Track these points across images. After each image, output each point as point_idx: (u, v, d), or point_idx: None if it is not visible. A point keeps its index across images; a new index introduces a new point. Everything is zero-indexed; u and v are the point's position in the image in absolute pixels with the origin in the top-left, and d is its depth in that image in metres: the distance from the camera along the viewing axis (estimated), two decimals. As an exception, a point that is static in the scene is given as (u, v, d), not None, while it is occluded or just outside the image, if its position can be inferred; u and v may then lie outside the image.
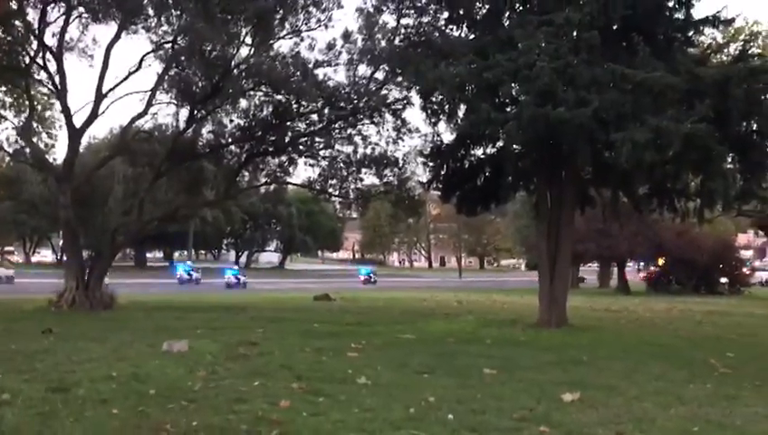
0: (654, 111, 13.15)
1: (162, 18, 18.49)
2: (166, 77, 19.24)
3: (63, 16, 18.26)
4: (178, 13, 18.20)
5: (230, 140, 21.88)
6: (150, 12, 18.31)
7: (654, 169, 13.76)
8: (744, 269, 50.83)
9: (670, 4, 15.11)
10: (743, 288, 44.67)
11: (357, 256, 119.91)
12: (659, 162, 13.41)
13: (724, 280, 44.71)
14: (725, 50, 17.69)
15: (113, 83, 18.91)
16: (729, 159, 14.90)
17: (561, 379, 8.68)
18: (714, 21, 15.09)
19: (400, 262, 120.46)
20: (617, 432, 5.93)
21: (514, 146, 15.52)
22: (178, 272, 45.53)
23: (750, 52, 15.62)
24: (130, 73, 18.87)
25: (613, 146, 13.27)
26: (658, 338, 14.69)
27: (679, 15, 15.23)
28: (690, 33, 15.55)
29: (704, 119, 12.69)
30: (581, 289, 46.58)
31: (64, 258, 27.68)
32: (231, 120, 21.69)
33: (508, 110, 14.57)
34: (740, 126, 14.42)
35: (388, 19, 19.28)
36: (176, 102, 20.29)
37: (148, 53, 19.12)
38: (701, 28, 15.48)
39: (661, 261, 45.71)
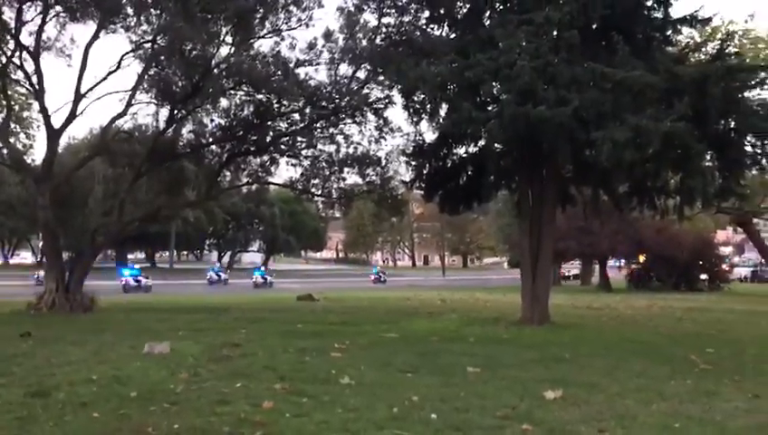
0: (633, 110, 13.26)
1: (141, 17, 18.32)
2: (145, 77, 19.06)
3: (40, 15, 18.02)
4: (158, 12, 18.05)
5: (211, 139, 21.73)
6: (129, 11, 18.14)
7: (634, 167, 13.87)
8: (724, 266, 51.48)
9: (649, 3, 15.25)
10: (722, 284, 45.22)
11: (340, 255, 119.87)
12: (639, 161, 13.53)
13: (703, 277, 45.20)
14: (703, 49, 17.82)
15: (92, 83, 18.74)
16: (708, 157, 15.06)
17: (543, 376, 8.72)
18: (691, 20, 15.24)
19: (384, 261, 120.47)
20: (599, 430, 5.96)
21: (496, 145, 15.60)
22: (209, 274, 47.53)
23: (727, 51, 15.77)
24: (110, 73, 18.68)
25: (593, 145, 13.36)
26: (639, 335, 14.81)
27: (658, 15, 15.37)
28: (668, 33, 15.68)
29: (683, 117, 12.81)
30: (563, 287, 46.92)
31: (44, 260, 27.37)
32: (212, 120, 21.55)
33: (489, 109, 14.63)
34: (718, 124, 14.57)
35: (370, 18, 19.27)
36: (156, 102, 20.12)
37: (128, 53, 18.93)
38: (679, 27, 15.61)
39: (642, 258, 46.11)
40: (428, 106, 16.53)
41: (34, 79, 18.79)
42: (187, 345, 11.07)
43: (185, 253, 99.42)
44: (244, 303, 24.87)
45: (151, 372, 8.46)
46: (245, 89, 20.22)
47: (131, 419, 6.11)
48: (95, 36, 18.35)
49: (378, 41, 18.58)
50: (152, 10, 18.06)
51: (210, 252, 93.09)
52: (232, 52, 19.38)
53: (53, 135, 19.22)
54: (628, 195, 17.05)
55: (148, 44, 18.73)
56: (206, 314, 18.25)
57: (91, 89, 18.64)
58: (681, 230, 39.66)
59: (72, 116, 18.74)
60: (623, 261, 54.55)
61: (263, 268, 52.21)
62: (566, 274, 60.44)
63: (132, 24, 18.50)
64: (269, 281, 46.00)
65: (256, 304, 24.96)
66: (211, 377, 8.27)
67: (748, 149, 15.19)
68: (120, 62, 18.79)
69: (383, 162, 21.86)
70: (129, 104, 19.20)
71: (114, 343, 11.33)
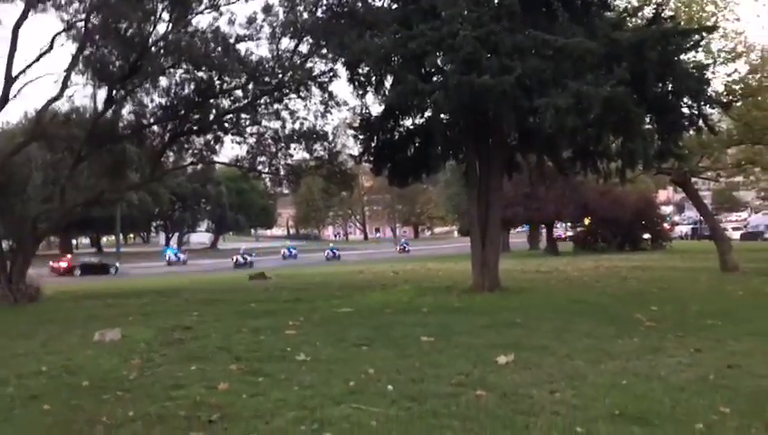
0: (574, 76, 13.44)
1: (72, -5, 17.68)
2: (80, 57, 18.45)
3: (-37, -4, 17.24)
4: (90, -11, 17.44)
5: (152, 120, 21.24)
6: (59, -12, 17.48)
7: (576, 132, 14.10)
8: (665, 224, 53.11)
9: (586, -32, 15.39)
10: (664, 243, 46.70)
11: (291, 231, 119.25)
12: (581, 126, 13.74)
13: (646, 236, 46.59)
14: (640, 13, 18.12)
15: (24, 66, 18.04)
16: (647, 121, 15.41)
17: (495, 342, 8.90)
18: (628, -16, 15.46)
19: (336, 235, 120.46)
20: (550, 391, 6.12)
21: (442, 115, 15.62)
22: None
23: (662, 15, 16.08)
24: (42, 54, 17.98)
25: (537, 112, 13.52)
26: (586, 296, 15.21)
27: (596, -21, 15.53)
28: (606, -3, 15.90)
29: (622, 82, 13.05)
30: (512, 252, 47.72)
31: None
32: (152, 100, 21.00)
33: (434, 79, 14.67)
34: (656, 88, 14.88)
35: (310, -11, 18.98)
36: (93, 83, 19.51)
37: (60, 33, 18.26)
38: (617, -9, 15.86)
39: (587, 221, 47.22)
40: (373, 78, 16.45)
41: (-38, 63, 18.01)
42: (138, 331, 10.92)
43: (131, 236, 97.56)
44: (193, 284, 24.59)
45: (103, 361, 8.32)
46: (185, 66, 19.80)
47: (84, 409, 6.00)
48: (23, 16, 17.61)
49: (319, 13, 18.37)
50: (83, -13, 17.44)
51: (157, 234, 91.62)
52: (169, 29, 18.90)
53: (-15, 121, 18.49)
54: (572, 160, 17.35)
55: (81, 23, 18.10)
56: (156, 298, 17.99)
57: (22, 71, 17.94)
58: (624, 192, 40.74)
59: (3, 100, 18.03)
60: (569, 224, 55.70)
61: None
62: (563, 235, 60.36)
63: (63, 2, 17.84)
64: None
65: (207, 285, 24.71)
66: (164, 362, 8.19)
67: (685, 111, 15.61)
68: (52, 43, 18.14)
69: (330, 137, 21.83)
70: (64, 86, 18.56)
71: (63, 333, 11.10)
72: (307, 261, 53.65)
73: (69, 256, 50.22)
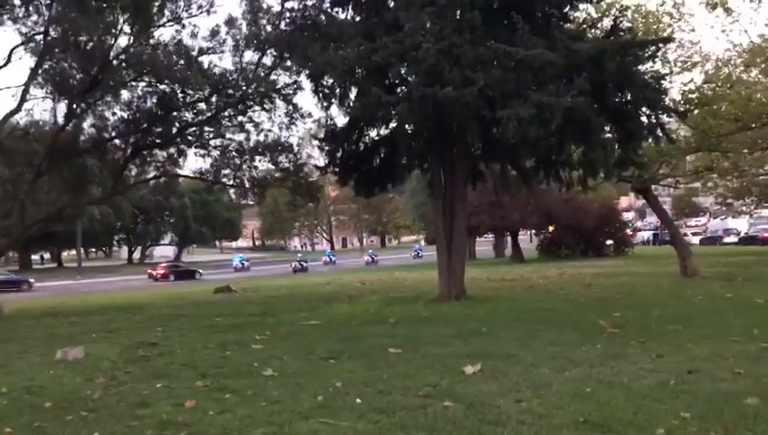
0: (536, 87, 13.67)
1: (30, 8, 17.45)
2: (39, 71, 18.21)
3: None
4: (48, 2, 17.21)
5: (114, 133, 21.03)
6: (16, 1, 17.21)
7: (539, 142, 14.27)
8: (628, 231, 53.97)
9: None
10: (627, 249, 47.44)
11: (257, 243, 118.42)
12: (543, 136, 13.92)
13: (609, 242, 47.29)
14: (599, 24, 18.50)
15: (-20, 79, 17.72)
16: (607, 130, 15.72)
17: (462, 351, 8.96)
18: (588, -4, 15.76)
19: (302, 246, 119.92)
20: (516, 400, 6.19)
21: (407, 126, 15.74)
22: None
23: (621, 26, 16.44)
24: (-1, 68, 17.72)
25: (500, 123, 13.69)
26: (551, 303, 15.40)
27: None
28: (566, 9, 16.21)
29: (582, 92, 13.29)
30: (478, 260, 48.06)
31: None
32: (114, 114, 20.89)
33: (398, 91, 14.76)
34: (615, 97, 15.21)
35: (273, 2, 19.09)
36: (52, 97, 19.27)
37: (18, 46, 17.99)
38: (576, 3, 16.16)
39: (551, 228, 47.77)
40: (338, 90, 16.47)
41: None
42: (102, 348, 10.75)
43: (92, 250, 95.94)
44: (157, 299, 24.28)
45: (66, 380, 8.18)
46: (148, 80, 19.67)
47: (47, 431, 5.90)
48: (-21, 29, 17.33)
49: (282, 26, 18.41)
50: (42, 0, 17.20)
51: (119, 248, 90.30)
52: (131, 42, 18.77)
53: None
54: (535, 169, 17.58)
55: (40, 36, 17.85)
56: (118, 314, 17.73)
57: (-21, 85, 17.63)
58: (586, 199, 41.32)
59: (-40, 115, 17.69)
60: (533, 232, 56.17)
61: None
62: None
63: (20, 14, 17.59)
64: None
65: (171, 299, 24.41)
66: (129, 380, 8.08)
67: (643, 120, 15.96)
68: (9, 56, 17.87)
69: (295, 148, 21.83)
70: (22, 100, 18.30)
71: (24, 352, 10.87)
72: (277, 272, 53.60)
73: None
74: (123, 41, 18.79)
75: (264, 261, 73.71)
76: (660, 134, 16.36)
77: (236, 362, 9.01)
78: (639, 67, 15.54)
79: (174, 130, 21.06)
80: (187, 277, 51.64)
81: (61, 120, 19.61)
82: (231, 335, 11.84)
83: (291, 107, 20.71)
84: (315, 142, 19.39)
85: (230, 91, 20.07)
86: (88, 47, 17.67)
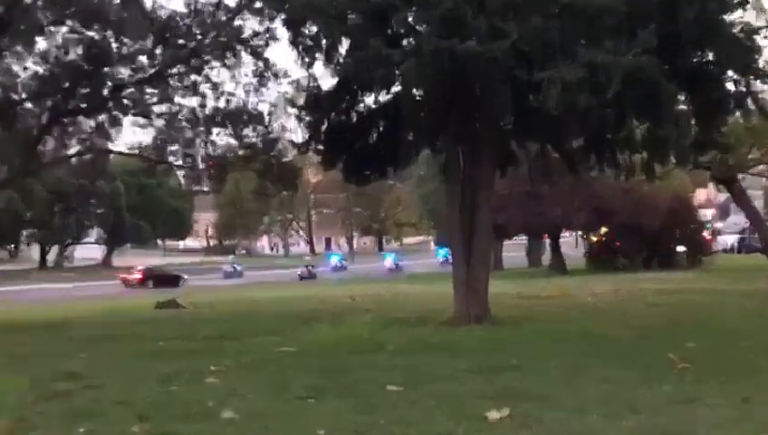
0: (587, 42, 13.67)
1: None
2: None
3: None
4: None
5: (25, 95, 21.02)
6: None
7: (590, 114, 14.29)
8: (705, 233, 53.92)
9: None
10: (704, 258, 47.34)
11: (212, 243, 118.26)
12: (596, 106, 13.95)
13: (681, 249, 47.18)
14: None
15: None
16: (681, 100, 15.71)
17: (484, 391, 8.98)
18: None
19: (272, 248, 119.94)
20: (556, 457, 6.24)
21: (414, 91, 15.73)
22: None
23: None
24: None
25: (539, 88, 13.70)
26: (603, 329, 15.40)
27: None
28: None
29: (648, 50, 13.29)
30: (507, 270, 48.12)
31: None
32: (25, 68, 20.85)
33: (404, 44, 14.76)
34: (693, 57, 15.21)
35: None
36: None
37: None
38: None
39: (604, 229, 47.67)
40: (323, 42, 16.46)
41: None
42: (6, 380, 10.76)
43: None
44: (83, 315, 24.31)
45: (-42, 422, 8.21)
46: (71, 23, 19.62)
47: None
48: None
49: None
50: None
51: (29, 246, 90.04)
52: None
53: None
54: (585, 150, 17.60)
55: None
56: (30, 334, 17.75)
57: None
58: (652, 192, 41.19)
59: None
60: (580, 234, 56.17)
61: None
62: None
63: None
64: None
65: (101, 315, 24.44)
66: (42, 422, 8.09)
67: (730, 87, 15.96)
68: None
69: (266, 118, 21.77)
70: None
71: None
72: (273, 279, 55.02)
73: None
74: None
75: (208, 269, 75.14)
76: (752, 106, 16.37)
77: (185, 399, 9.02)
78: (726, 16, 15.52)
79: (105, 92, 21.06)
80: (168, 284, 55.23)
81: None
82: (179, 364, 11.85)
83: (261, 63, 20.72)
84: (292, 110, 19.34)
85: (180, 41, 20.07)
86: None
